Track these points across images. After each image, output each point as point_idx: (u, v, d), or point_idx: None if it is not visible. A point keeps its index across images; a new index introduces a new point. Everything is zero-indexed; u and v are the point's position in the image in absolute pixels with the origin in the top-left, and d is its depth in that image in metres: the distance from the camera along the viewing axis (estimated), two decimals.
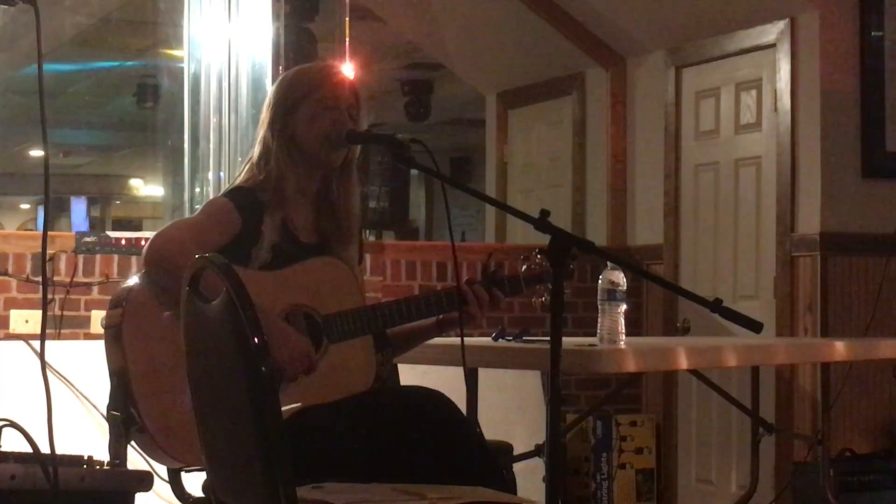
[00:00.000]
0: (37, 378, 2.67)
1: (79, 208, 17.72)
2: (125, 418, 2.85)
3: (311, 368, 2.75)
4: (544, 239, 2.42)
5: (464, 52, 7.12)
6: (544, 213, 2.51)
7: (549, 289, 2.99)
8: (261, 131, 3.01)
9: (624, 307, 3.51)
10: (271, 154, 2.95)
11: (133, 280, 2.93)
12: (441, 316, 2.98)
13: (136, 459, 3.07)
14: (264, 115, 3.02)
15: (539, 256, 3.00)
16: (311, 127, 2.94)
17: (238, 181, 3.00)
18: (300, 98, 2.96)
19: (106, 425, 2.99)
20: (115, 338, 2.85)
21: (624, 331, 3.51)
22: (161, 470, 3.11)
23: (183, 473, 2.99)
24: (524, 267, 3.01)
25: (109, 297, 3.02)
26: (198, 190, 5.44)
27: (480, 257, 4.86)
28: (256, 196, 2.92)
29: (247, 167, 3.01)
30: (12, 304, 4.75)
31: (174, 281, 2.74)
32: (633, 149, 6.27)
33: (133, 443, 2.92)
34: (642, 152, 6.21)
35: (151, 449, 2.85)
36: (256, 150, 2.99)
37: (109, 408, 2.93)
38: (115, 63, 10.27)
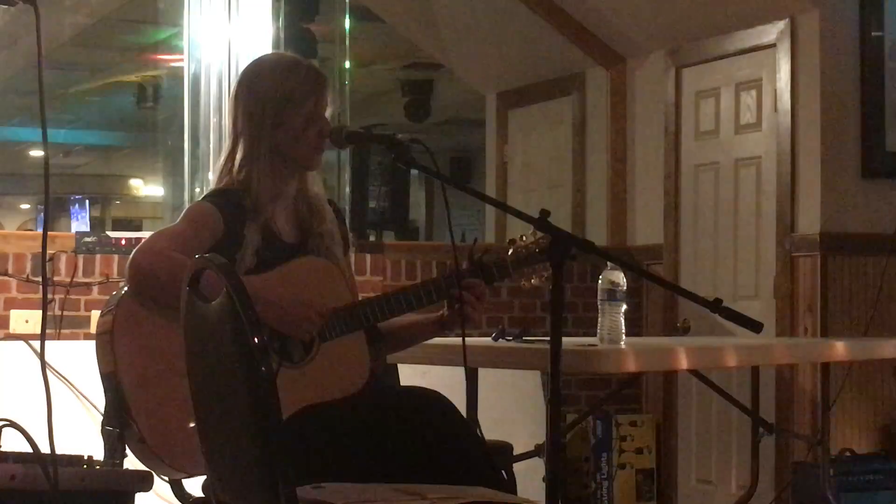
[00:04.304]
0: (37, 378, 2.67)
1: (78, 210, 17.73)
2: (121, 433, 2.83)
3: (322, 317, 2.75)
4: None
5: (464, 52, 7.12)
6: (544, 213, 2.51)
7: (536, 270, 2.99)
8: (241, 137, 2.91)
9: (624, 307, 3.51)
10: (254, 164, 2.89)
11: (125, 289, 2.87)
12: (443, 313, 2.97)
13: (136, 459, 3.07)
14: (240, 118, 2.93)
15: (524, 238, 3.00)
16: (301, 141, 2.90)
17: (221, 184, 2.95)
18: (286, 109, 2.89)
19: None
20: (106, 344, 2.82)
21: (624, 331, 3.51)
22: None
23: None
24: (511, 251, 3.00)
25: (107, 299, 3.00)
26: (198, 190, 5.44)
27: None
28: (239, 200, 2.88)
29: (225, 168, 2.94)
30: (12, 304, 4.75)
31: (161, 293, 2.73)
32: (633, 149, 6.27)
33: (131, 453, 2.91)
34: (642, 152, 6.21)
35: (150, 459, 2.83)
36: (238, 156, 2.91)
37: (104, 423, 2.91)
38: (115, 63, 10.28)
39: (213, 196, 2.92)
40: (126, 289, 2.84)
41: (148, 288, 2.78)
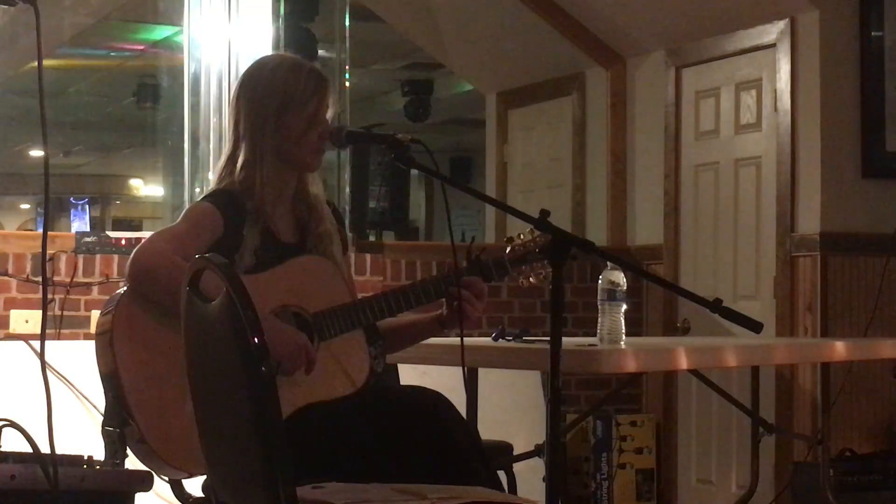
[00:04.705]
0: (37, 378, 2.67)
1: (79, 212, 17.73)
2: (122, 433, 2.83)
3: (310, 362, 2.75)
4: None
5: (464, 52, 7.12)
6: (544, 213, 2.51)
7: (534, 269, 2.99)
8: (243, 139, 2.91)
9: (624, 307, 3.51)
10: (257, 167, 2.89)
11: (124, 288, 2.88)
12: (442, 312, 2.97)
13: (136, 459, 3.07)
14: (241, 120, 2.92)
15: (522, 237, 3.00)
16: (301, 145, 2.90)
17: (222, 185, 2.94)
18: (287, 112, 2.89)
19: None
20: (106, 344, 2.82)
21: (624, 331, 3.51)
22: None
23: None
24: (508, 249, 3.01)
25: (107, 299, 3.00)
26: (198, 190, 5.44)
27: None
28: (239, 201, 2.89)
29: (226, 170, 2.94)
30: (12, 304, 4.75)
31: (159, 294, 2.74)
32: (633, 149, 6.27)
33: (132, 453, 2.91)
34: (642, 152, 6.21)
35: (151, 459, 2.83)
36: (240, 158, 2.91)
37: (105, 424, 2.91)
38: (115, 63, 10.27)
39: (213, 196, 2.92)
40: (125, 289, 2.84)
41: (147, 288, 2.78)
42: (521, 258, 2.99)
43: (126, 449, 2.89)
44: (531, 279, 3.01)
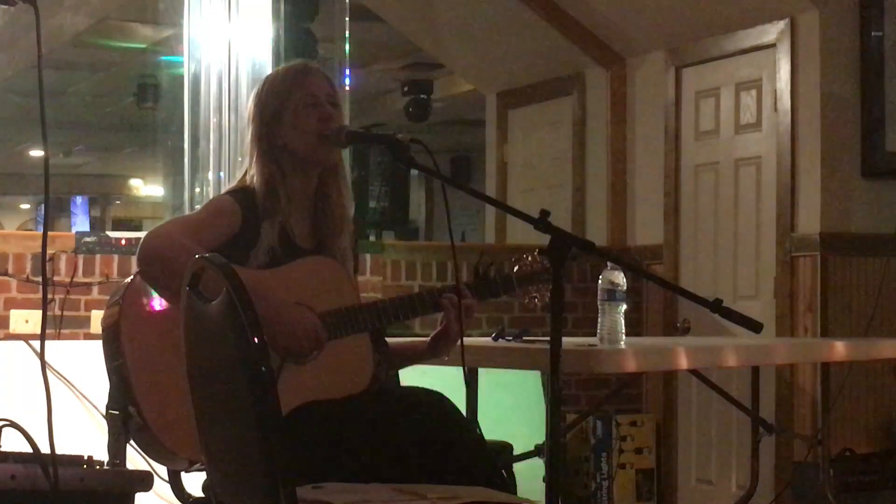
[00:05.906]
0: (37, 378, 2.67)
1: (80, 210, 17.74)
2: (124, 417, 2.85)
3: (320, 342, 2.75)
4: (544, 239, 2.42)
5: (464, 52, 7.12)
6: (544, 213, 2.51)
7: (540, 290, 3.00)
8: (249, 145, 2.99)
9: (624, 307, 3.51)
10: (256, 164, 2.93)
11: (130, 278, 2.92)
12: (431, 338, 2.98)
13: (136, 459, 3.08)
14: (248, 123, 3.01)
15: (530, 258, 3.01)
16: (299, 131, 2.92)
17: (244, 182, 2.98)
18: (278, 108, 2.94)
19: (106, 425, 2.99)
20: (112, 336, 2.84)
21: (624, 331, 3.51)
22: (161, 470, 3.11)
23: (183, 473, 2.98)
24: (516, 268, 3.01)
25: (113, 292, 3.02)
26: (198, 190, 5.43)
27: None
28: (258, 199, 2.91)
29: (248, 173, 2.98)
30: (12, 304, 4.75)
31: (167, 275, 2.75)
32: (633, 149, 6.27)
33: (133, 442, 2.92)
34: (642, 152, 6.21)
35: (152, 447, 2.84)
36: (256, 165, 2.96)
37: (108, 407, 2.93)
38: (115, 63, 10.28)
39: (235, 191, 2.96)
40: (133, 277, 2.87)
41: (155, 270, 2.79)
42: (529, 277, 3.00)
43: (128, 433, 2.90)
44: (536, 300, 3.02)
